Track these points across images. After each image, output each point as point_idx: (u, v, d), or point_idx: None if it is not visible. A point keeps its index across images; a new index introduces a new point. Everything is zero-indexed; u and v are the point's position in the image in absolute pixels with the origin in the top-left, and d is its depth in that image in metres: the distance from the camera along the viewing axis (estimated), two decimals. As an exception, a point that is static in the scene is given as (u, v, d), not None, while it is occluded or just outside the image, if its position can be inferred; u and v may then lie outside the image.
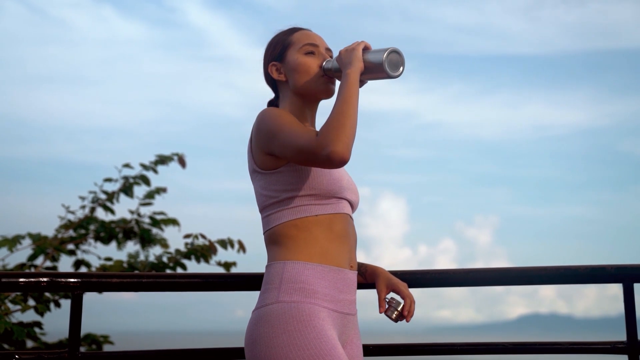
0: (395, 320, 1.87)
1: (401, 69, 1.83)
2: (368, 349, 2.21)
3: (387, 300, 1.90)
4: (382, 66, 1.80)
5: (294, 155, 1.74)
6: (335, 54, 1.90)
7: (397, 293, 1.92)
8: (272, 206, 1.83)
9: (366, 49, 1.85)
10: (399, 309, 1.87)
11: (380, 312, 1.89)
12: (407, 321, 1.87)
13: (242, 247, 3.72)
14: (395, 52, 1.81)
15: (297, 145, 1.72)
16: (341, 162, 1.67)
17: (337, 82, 1.90)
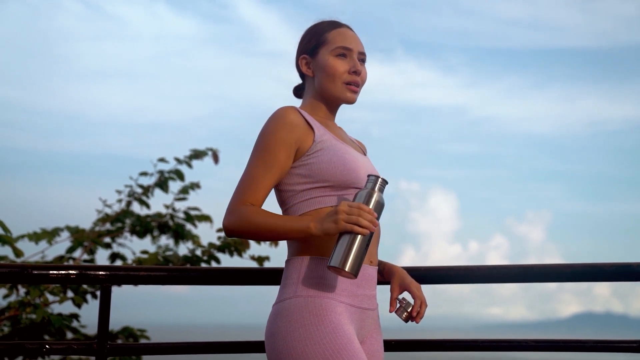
0: (405, 320, 1.87)
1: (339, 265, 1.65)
2: (390, 345, 2.21)
3: (399, 300, 1.90)
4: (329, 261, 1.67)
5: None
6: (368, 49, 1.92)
7: (409, 293, 1.91)
8: (289, 200, 1.84)
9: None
10: (408, 310, 1.87)
11: (390, 312, 1.88)
12: (417, 322, 1.87)
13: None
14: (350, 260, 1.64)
15: (235, 188, 1.82)
16: (226, 235, 1.81)
17: (360, 91, 1.92)
